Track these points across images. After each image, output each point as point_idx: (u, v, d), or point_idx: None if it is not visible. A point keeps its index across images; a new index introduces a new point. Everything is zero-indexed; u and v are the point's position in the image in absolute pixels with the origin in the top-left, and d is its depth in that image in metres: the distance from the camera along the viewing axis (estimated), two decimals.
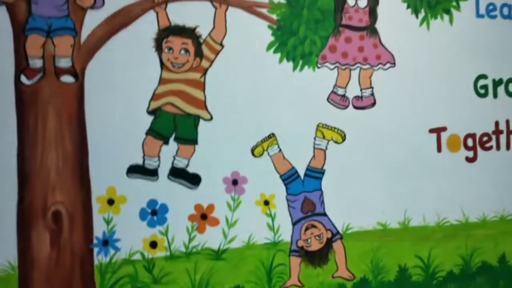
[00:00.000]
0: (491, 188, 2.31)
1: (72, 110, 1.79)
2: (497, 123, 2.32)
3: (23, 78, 1.74)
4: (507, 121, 2.33)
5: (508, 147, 2.33)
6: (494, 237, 2.32)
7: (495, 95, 2.31)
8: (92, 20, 1.82)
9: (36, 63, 1.76)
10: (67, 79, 1.78)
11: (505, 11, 2.33)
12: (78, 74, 1.79)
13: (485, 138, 2.30)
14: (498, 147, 2.32)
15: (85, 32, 1.82)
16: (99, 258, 1.82)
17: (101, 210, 1.83)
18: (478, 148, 2.30)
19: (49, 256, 1.76)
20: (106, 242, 1.82)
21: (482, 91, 2.29)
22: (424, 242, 2.22)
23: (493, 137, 2.32)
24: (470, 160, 2.28)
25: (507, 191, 2.33)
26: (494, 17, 2.31)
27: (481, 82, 2.29)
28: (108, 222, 1.83)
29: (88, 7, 1.80)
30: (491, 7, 2.31)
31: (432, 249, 2.22)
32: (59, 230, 1.77)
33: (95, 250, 1.82)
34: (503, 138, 2.33)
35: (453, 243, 2.26)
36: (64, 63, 1.78)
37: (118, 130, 1.85)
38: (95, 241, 1.82)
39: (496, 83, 2.31)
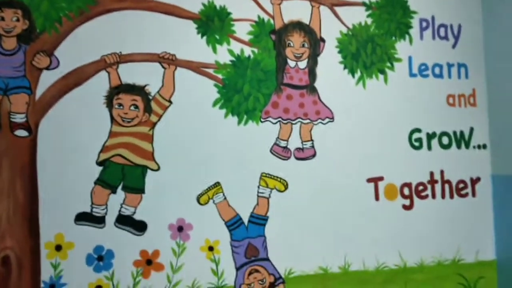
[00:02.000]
0: (428, 235, 2.32)
1: (25, 162, 1.82)
2: (432, 174, 2.36)
3: None
4: (442, 172, 2.38)
5: (443, 196, 2.37)
6: (432, 281, 2.31)
7: (429, 148, 2.36)
8: (47, 79, 1.88)
9: None
10: (21, 133, 1.82)
11: (437, 70, 2.42)
12: (31, 128, 1.84)
13: (420, 188, 2.34)
14: (433, 196, 2.36)
15: (40, 90, 1.87)
16: None
17: (49, 255, 1.83)
18: (415, 197, 2.33)
19: None
20: (52, 286, 1.82)
21: (416, 143, 2.35)
22: (365, 286, 2.21)
23: (429, 186, 2.36)
24: (407, 208, 2.31)
25: (443, 238, 2.34)
26: (426, 76, 2.40)
27: (416, 135, 2.35)
28: (55, 267, 1.83)
29: (44, 68, 1.87)
30: (423, 67, 2.40)
31: None
32: (8, 274, 1.77)
33: None
34: (438, 187, 2.37)
35: (393, 287, 2.25)
36: (19, 118, 1.82)
37: (68, 180, 1.87)
38: (42, 285, 1.81)
39: (430, 136, 2.37)
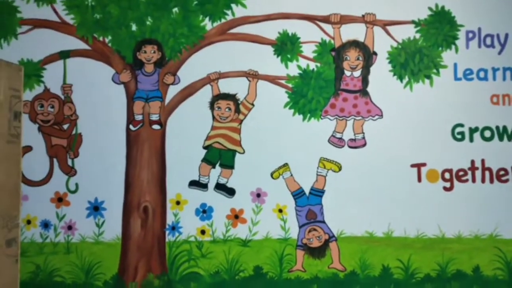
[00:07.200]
0: (467, 212, 2.61)
1: (158, 146, 2.71)
2: (473, 161, 2.69)
3: (131, 126, 2.73)
4: (483, 160, 2.70)
5: (483, 181, 2.69)
6: (469, 251, 2.64)
7: (471, 140, 2.69)
8: (172, 91, 2.75)
9: (139, 117, 2.74)
10: (156, 127, 2.73)
11: (481, 74, 2.73)
12: (162, 124, 2.75)
13: (461, 173, 2.71)
14: (473, 181, 2.68)
15: (168, 98, 2.76)
16: (169, 237, 2.66)
17: (172, 207, 2.70)
18: (455, 180, 2.69)
19: (140, 234, 2.68)
20: (173, 228, 2.70)
21: (459, 136, 2.71)
22: (405, 249, 2.66)
23: (469, 172, 2.71)
24: (447, 189, 2.70)
25: (482, 216, 2.62)
26: (471, 79, 2.71)
27: (458, 129, 2.70)
28: (175, 215, 2.71)
29: (170, 84, 2.77)
30: (468, 71, 2.72)
31: (412, 255, 2.66)
32: (146, 218, 2.70)
33: (167, 232, 2.68)
34: (478, 173, 2.69)
35: (431, 252, 2.65)
36: (154, 117, 2.74)
37: (185, 158, 2.71)
38: (167, 227, 2.71)
39: (472, 130, 2.68)
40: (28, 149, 2.54)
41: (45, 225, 2.54)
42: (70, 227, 2.55)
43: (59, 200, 2.56)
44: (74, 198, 2.56)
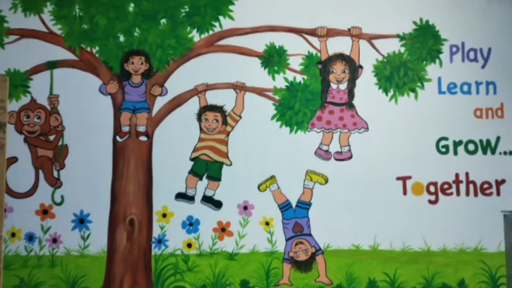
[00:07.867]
0: (452, 225, 2.66)
1: (145, 157, 2.72)
2: (457, 175, 2.75)
3: (118, 138, 2.72)
4: (467, 173, 2.75)
5: (467, 194, 2.74)
6: (454, 264, 2.67)
7: (455, 153, 2.75)
8: (160, 102, 2.75)
9: (126, 128, 2.74)
10: (143, 138, 2.73)
11: (465, 88, 2.79)
12: (149, 135, 2.75)
13: (446, 186, 2.75)
14: (458, 194, 2.72)
15: (155, 110, 2.77)
16: (155, 251, 2.65)
17: (158, 220, 2.70)
18: (440, 194, 2.74)
19: (125, 247, 2.67)
20: (160, 241, 2.69)
21: (443, 149, 2.76)
22: (391, 263, 2.68)
23: (454, 185, 2.75)
24: (432, 202, 2.73)
25: (467, 229, 2.66)
26: (455, 93, 2.78)
27: (443, 142, 2.76)
28: (162, 228, 2.70)
29: (158, 95, 2.77)
30: (452, 85, 2.78)
31: (398, 269, 2.68)
32: (132, 231, 2.69)
33: (153, 245, 2.67)
34: (463, 186, 2.74)
35: (416, 266, 2.68)
36: (141, 128, 2.74)
37: (172, 170, 2.72)
38: (153, 239, 2.70)
39: (456, 144, 2.75)
40: (13, 160, 2.52)
41: (30, 237, 2.52)
42: (55, 240, 2.53)
43: (44, 212, 2.54)
44: (60, 211, 2.56)
